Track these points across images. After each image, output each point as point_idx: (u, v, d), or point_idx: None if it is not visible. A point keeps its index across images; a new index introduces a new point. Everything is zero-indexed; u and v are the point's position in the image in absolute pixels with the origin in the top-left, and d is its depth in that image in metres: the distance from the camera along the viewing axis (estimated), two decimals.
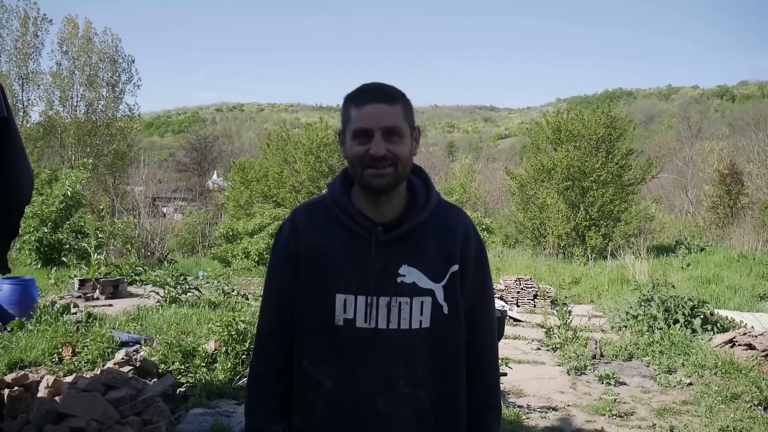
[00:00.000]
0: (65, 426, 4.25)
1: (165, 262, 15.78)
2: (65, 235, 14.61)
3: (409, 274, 1.57)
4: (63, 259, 13.85)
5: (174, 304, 8.90)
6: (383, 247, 1.57)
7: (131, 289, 11.81)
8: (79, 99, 30.22)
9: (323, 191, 1.80)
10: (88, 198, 19.76)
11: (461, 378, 1.65)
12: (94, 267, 12.23)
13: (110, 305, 9.79)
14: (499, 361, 2.03)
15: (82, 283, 10.98)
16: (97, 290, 10.76)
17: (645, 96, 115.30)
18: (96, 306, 9.40)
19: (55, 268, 13.07)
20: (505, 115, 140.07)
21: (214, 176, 47.18)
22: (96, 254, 12.76)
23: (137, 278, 12.70)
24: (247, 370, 5.71)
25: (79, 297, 10.54)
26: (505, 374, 5.46)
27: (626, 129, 19.83)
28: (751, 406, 5.57)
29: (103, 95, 30.77)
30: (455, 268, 1.60)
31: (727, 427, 4.98)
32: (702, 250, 18.29)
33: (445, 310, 1.59)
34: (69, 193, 15.25)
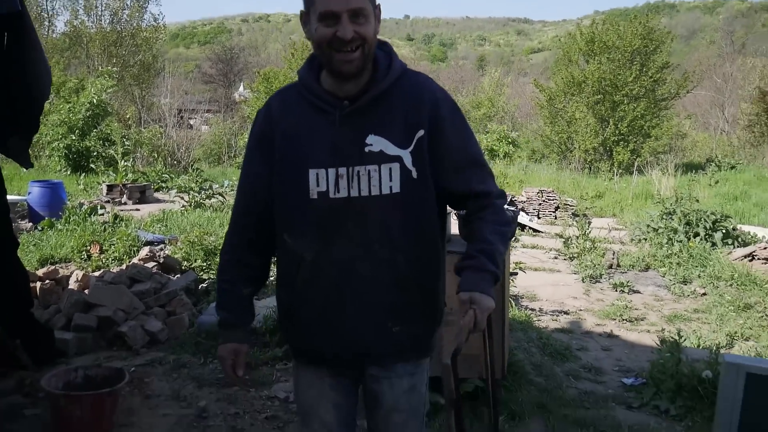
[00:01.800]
0: (93, 315, 4.49)
1: (191, 171, 16.01)
2: (93, 143, 14.84)
3: (376, 143, 1.61)
4: (91, 165, 14.13)
5: (198, 209, 9.11)
6: (348, 119, 1.61)
7: (157, 195, 12.09)
8: (103, 8, 29.83)
9: None
10: (116, 108, 19.87)
11: (436, 241, 1.71)
12: (121, 173, 12.47)
13: (137, 210, 10.07)
14: (512, 264, 2.07)
15: (110, 188, 11.25)
16: (125, 195, 11.04)
17: (689, 9, 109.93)
18: (123, 210, 9.67)
19: (83, 174, 13.37)
20: (539, 28, 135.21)
21: (240, 88, 46.83)
22: (123, 161, 12.97)
23: (163, 185, 12.96)
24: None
25: (107, 202, 10.82)
26: (515, 273, 5.56)
27: (663, 41, 19.06)
28: (762, 316, 5.61)
29: (127, 4, 30.25)
30: (421, 133, 1.63)
31: (735, 333, 5.06)
32: (732, 168, 17.93)
33: (414, 174, 1.63)
34: (95, 101, 15.36)
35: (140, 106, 22.06)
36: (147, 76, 30.18)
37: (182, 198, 9.83)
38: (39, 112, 3.64)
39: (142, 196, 11.18)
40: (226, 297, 1.81)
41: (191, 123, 27.83)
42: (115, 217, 7.50)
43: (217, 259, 5.70)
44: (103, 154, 14.57)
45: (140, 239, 6.33)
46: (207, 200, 9.55)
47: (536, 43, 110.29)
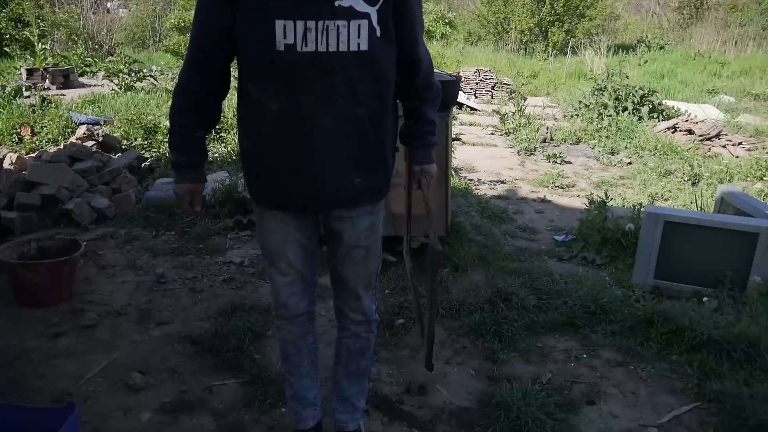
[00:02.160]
0: (36, 193, 4.43)
1: (114, 55, 15.17)
2: (4, 24, 13.74)
3: None
4: (5, 49, 13.17)
5: (129, 92, 8.77)
6: None
7: (82, 79, 11.50)
8: None
9: None
10: None
11: (392, 96, 1.82)
12: (40, 57, 11.72)
13: (62, 94, 9.58)
14: (452, 134, 2.25)
15: (30, 72, 10.62)
16: (47, 80, 10.46)
17: None
18: (48, 95, 9.20)
19: None
20: None
21: None
22: (40, 44, 12.15)
23: (87, 69, 12.30)
24: (210, 146, 5.83)
25: (29, 87, 10.24)
26: (457, 139, 5.73)
27: None
28: (681, 181, 6.07)
29: None
30: None
31: (656, 194, 5.48)
32: (662, 48, 18.35)
33: (378, 33, 1.66)
34: None
35: None
36: None
37: (111, 80, 9.40)
38: None
39: (66, 80, 10.61)
40: (180, 139, 1.84)
41: (108, 6, 25.96)
42: (43, 99, 7.16)
43: (158, 137, 5.67)
44: (17, 36, 13.56)
45: (73, 120, 6.11)
46: (138, 82, 9.17)
47: None
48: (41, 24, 13.45)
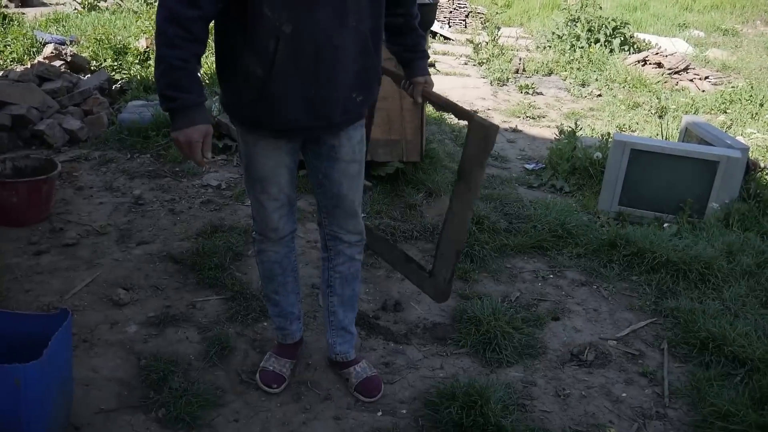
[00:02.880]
0: (5, 113, 4.33)
1: None
2: None
3: None
4: None
5: (93, 11, 8.45)
6: None
7: None
8: None
9: None
10: None
11: (383, 11, 1.86)
12: None
13: (22, 13, 9.17)
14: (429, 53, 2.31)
15: None
16: None
17: None
18: (8, 12, 8.79)
19: None
20: None
21: None
22: None
23: None
24: None
25: None
26: (432, 65, 5.70)
27: None
28: (648, 113, 6.20)
29: None
30: None
31: (624, 125, 5.62)
32: None
33: None
34: None
35: None
36: None
37: (75, 0, 9.03)
38: None
39: None
40: (185, 75, 1.62)
41: None
42: (3, 17, 6.87)
43: (128, 59, 5.54)
44: None
45: (38, 40, 5.91)
46: (102, 2, 8.83)
47: None
48: None
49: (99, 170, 4.04)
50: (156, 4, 8.68)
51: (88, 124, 4.58)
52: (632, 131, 5.58)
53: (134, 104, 4.73)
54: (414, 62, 2.06)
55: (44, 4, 10.37)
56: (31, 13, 9.09)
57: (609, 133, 4.72)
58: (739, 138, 5.08)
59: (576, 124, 4.79)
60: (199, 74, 1.69)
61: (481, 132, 1.98)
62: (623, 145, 3.72)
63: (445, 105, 2.08)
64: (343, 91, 1.78)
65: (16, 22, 6.90)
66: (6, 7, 9.74)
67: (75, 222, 3.36)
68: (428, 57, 2.12)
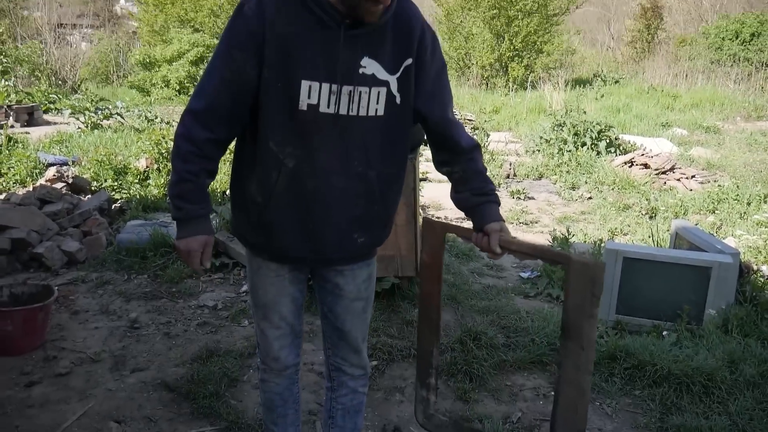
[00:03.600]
0: (5, 237, 4.40)
1: (79, 91, 15.09)
2: None
3: (369, 66, 1.67)
4: None
5: (96, 130, 8.75)
6: (350, 40, 1.64)
7: (47, 117, 11.40)
8: None
9: None
10: None
11: (405, 159, 1.87)
12: (2, 94, 11.58)
13: (27, 132, 9.50)
14: (420, 174, 2.16)
15: None
16: (11, 117, 10.34)
17: None
18: (13, 133, 9.10)
19: None
20: None
21: (122, 0, 43.51)
22: (3, 80, 12.04)
23: (51, 106, 12.20)
24: None
25: None
26: (425, 179, 5.85)
27: None
28: (639, 215, 6.31)
29: None
30: (409, 61, 1.73)
31: (616, 229, 5.70)
32: (617, 82, 19.01)
33: (398, 100, 1.73)
34: None
35: (13, 19, 20.14)
36: None
37: (78, 119, 9.36)
38: None
39: (30, 118, 10.50)
40: (193, 188, 1.72)
41: (69, 40, 25.81)
42: (9, 139, 7.11)
43: (128, 178, 5.68)
44: None
45: (41, 161, 6.09)
46: (105, 120, 9.16)
47: None
48: (4, 60, 13.33)
49: (95, 293, 4.05)
50: (156, 120, 8.99)
51: (86, 245, 4.63)
52: (624, 235, 5.66)
53: (133, 224, 4.81)
54: (483, 207, 1.86)
55: (48, 123, 10.75)
56: (35, 132, 9.41)
57: (601, 240, 4.79)
58: (730, 240, 5.15)
59: (568, 230, 4.86)
60: (206, 187, 1.78)
61: (585, 274, 1.63)
62: (615, 254, 3.77)
63: (532, 252, 1.81)
64: (339, 230, 1.80)
65: (20, 144, 7.13)
66: (12, 127, 10.09)
67: (69, 349, 3.33)
68: (499, 201, 1.92)
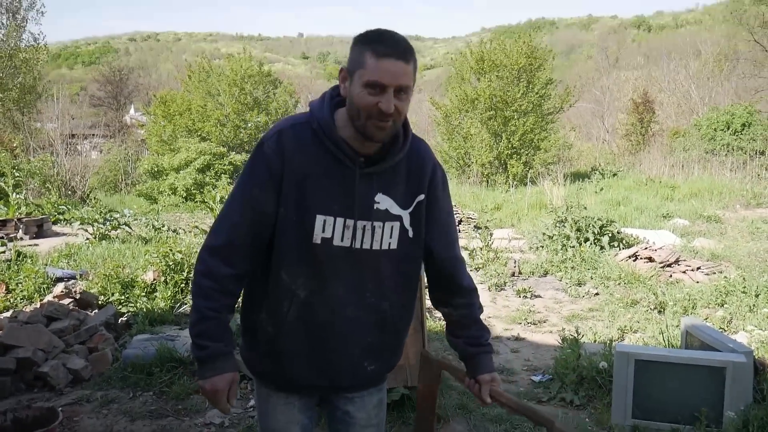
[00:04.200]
0: (11, 357, 4.38)
1: (88, 201, 15.42)
2: None
3: (383, 202, 1.74)
4: None
5: (104, 241, 8.88)
6: (365, 177, 1.72)
7: (56, 228, 11.58)
8: None
9: (304, 112, 1.78)
10: None
11: (416, 290, 1.92)
12: (14, 207, 11.86)
13: (36, 245, 9.63)
14: (425, 278, 2.23)
15: (3, 223, 10.68)
16: (21, 230, 10.50)
17: (567, 26, 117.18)
18: (21, 246, 9.23)
19: None
20: (430, 45, 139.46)
21: (132, 111, 45.21)
22: (15, 194, 12.34)
23: (61, 217, 12.41)
24: (188, 297, 5.87)
25: (1, 238, 10.27)
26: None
27: (546, 59, 20.40)
28: (647, 310, 6.27)
29: (3, 23, 28.61)
30: (421, 197, 1.81)
31: (625, 326, 5.64)
32: (614, 175, 19.39)
33: (410, 234, 1.80)
34: None
35: (27, 132, 20.90)
36: (29, 99, 28.57)
37: (86, 230, 9.52)
38: None
39: (39, 230, 10.68)
40: (216, 325, 1.70)
41: (79, 149, 26.66)
42: (18, 253, 7.21)
43: (135, 292, 5.71)
44: None
45: (49, 275, 6.15)
46: (113, 231, 9.31)
47: (429, 60, 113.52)
48: (17, 174, 13.72)
49: (100, 413, 3.98)
50: (164, 228, 9.10)
51: (92, 361, 4.59)
52: (634, 332, 5.60)
53: (139, 339, 4.79)
54: (478, 357, 1.92)
55: (57, 234, 10.91)
56: (45, 244, 9.54)
57: (612, 339, 4.74)
58: (742, 335, 5.09)
59: (577, 331, 4.83)
60: (228, 323, 1.76)
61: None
62: (627, 356, 3.72)
63: (517, 408, 1.88)
64: (351, 359, 1.81)
65: (29, 259, 7.22)
66: (21, 239, 10.24)
67: None
68: (493, 351, 1.99)
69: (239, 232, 1.71)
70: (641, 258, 8.19)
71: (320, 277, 1.73)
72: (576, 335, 4.82)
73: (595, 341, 5.21)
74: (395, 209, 1.77)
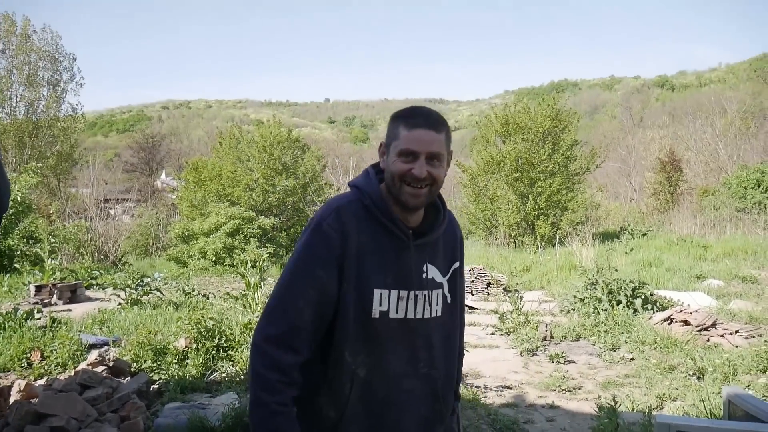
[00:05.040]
0: (45, 426, 4.40)
1: (120, 265, 15.69)
2: (16, 242, 14.37)
3: (430, 271, 1.81)
4: (15, 265, 13.64)
5: (136, 306, 8.99)
6: (417, 249, 1.78)
7: (89, 293, 11.77)
8: (18, 99, 29.36)
9: (347, 190, 1.85)
10: (36, 202, 19.40)
11: (459, 357, 1.97)
12: (48, 272, 12.11)
13: (69, 310, 9.78)
14: None
15: (39, 289, 10.90)
16: (54, 295, 10.70)
17: (589, 87, 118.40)
18: (55, 311, 9.38)
19: (7, 275, 12.88)
20: (454, 107, 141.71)
21: (163, 176, 46.46)
22: (50, 259, 12.63)
23: (94, 282, 12.64)
24: (219, 364, 5.84)
25: (36, 303, 10.45)
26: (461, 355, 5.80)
27: (571, 121, 20.62)
28: (686, 376, 6.09)
29: (43, 95, 29.92)
30: (456, 264, 1.91)
31: (664, 394, 5.48)
32: (644, 235, 19.19)
33: (449, 299, 1.86)
34: (18, 199, 14.98)
35: (63, 198, 21.53)
36: (65, 166, 29.54)
37: (118, 295, 9.66)
38: None
39: (73, 295, 10.86)
40: (285, 419, 1.63)
41: (111, 213, 27.32)
42: (53, 320, 7.33)
43: (167, 359, 5.74)
44: (28, 252, 14.12)
45: (83, 342, 6.23)
46: (144, 296, 9.44)
47: (453, 122, 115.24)
48: (52, 240, 14.07)
49: None
50: (194, 293, 9.16)
51: (124, 430, 4.59)
52: (673, 400, 5.43)
53: (170, 407, 4.79)
54: (455, 418, 1.97)
55: (90, 299, 11.08)
56: (78, 309, 9.68)
57: (650, 409, 4.60)
58: None
59: (614, 399, 4.70)
60: (295, 413, 1.69)
61: None
62: (668, 428, 3.58)
63: None
64: None
65: (63, 325, 7.32)
66: (55, 304, 10.42)
67: None
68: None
69: (303, 316, 1.67)
70: (677, 321, 8.01)
71: (378, 351, 1.73)
72: (613, 404, 4.68)
73: (633, 410, 5.06)
74: (439, 277, 1.83)
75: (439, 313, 1.82)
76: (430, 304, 1.79)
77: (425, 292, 1.78)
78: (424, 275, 1.79)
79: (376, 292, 1.71)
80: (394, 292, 1.73)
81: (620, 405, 4.90)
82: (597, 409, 5.00)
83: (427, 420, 1.83)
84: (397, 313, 1.74)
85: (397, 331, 1.75)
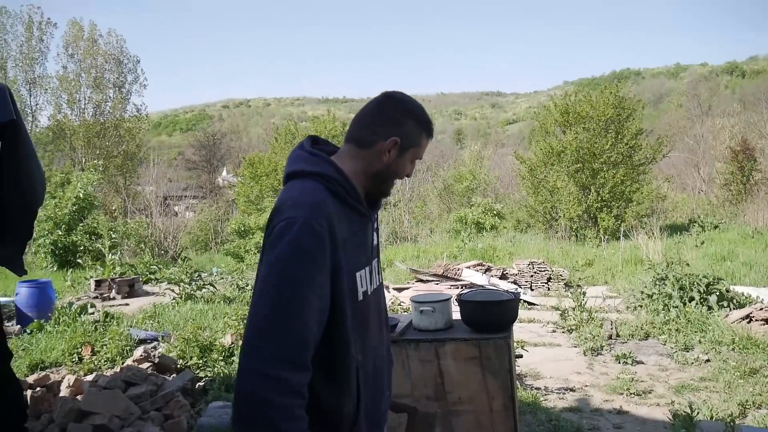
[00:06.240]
0: (88, 423, 4.32)
1: (179, 260, 15.90)
2: (79, 237, 14.75)
3: (375, 239, 1.84)
4: (78, 260, 14.00)
5: (189, 301, 8.98)
6: (374, 222, 1.82)
7: (146, 287, 11.93)
8: (86, 101, 30.48)
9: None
10: (100, 199, 19.93)
11: None
12: (109, 267, 12.34)
13: (126, 304, 9.90)
14: (514, 343, 2.15)
15: (98, 283, 11.10)
16: (113, 290, 10.87)
17: (653, 75, 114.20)
18: (113, 305, 9.49)
19: (70, 270, 13.22)
20: (512, 100, 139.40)
21: (224, 173, 47.40)
22: (111, 255, 12.89)
23: (152, 277, 12.81)
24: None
25: (96, 297, 10.65)
26: (520, 356, 5.46)
27: (635, 109, 19.66)
28: None
29: (110, 96, 30.98)
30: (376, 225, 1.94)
31: (746, 401, 4.97)
32: (716, 227, 18.17)
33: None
34: (81, 195, 15.38)
35: (126, 195, 22.11)
36: (130, 165, 30.52)
37: (172, 290, 9.70)
38: (33, 219, 3.62)
39: (131, 289, 11.02)
40: None
41: (176, 210, 27.94)
42: (106, 315, 7.35)
43: (213, 356, 5.60)
44: (90, 248, 14.46)
45: (132, 337, 6.18)
46: (198, 291, 9.43)
47: (511, 115, 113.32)
48: (113, 235, 14.36)
49: None
50: (248, 287, 9.11)
51: (167, 429, 4.46)
52: (758, 408, 4.92)
53: (214, 406, 4.64)
54: None
55: (147, 294, 11.21)
56: (134, 303, 9.79)
57: (732, 418, 4.14)
58: None
59: (691, 407, 4.25)
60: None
61: None
62: None
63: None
64: (386, 393, 1.86)
65: (115, 320, 7.33)
66: (113, 299, 10.58)
67: None
68: None
69: (310, 327, 1.48)
70: (757, 320, 7.38)
71: (363, 330, 1.70)
72: (689, 411, 4.24)
73: (711, 418, 4.59)
74: (376, 240, 1.84)
75: (380, 279, 1.87)
76: (378, 270, 1.84)
77: (374, 261, 1.81)
78: (374, 243, 1.81)
79: (358, 275, 1.67)
80: (366, 270, 1.72)
81: (697, 413, 4.44)
82: (671, 417, 4.56)
83: (389, 373, 1.91)
84: (371, 286, 1.75)
85: (370, 306, 1.74)
